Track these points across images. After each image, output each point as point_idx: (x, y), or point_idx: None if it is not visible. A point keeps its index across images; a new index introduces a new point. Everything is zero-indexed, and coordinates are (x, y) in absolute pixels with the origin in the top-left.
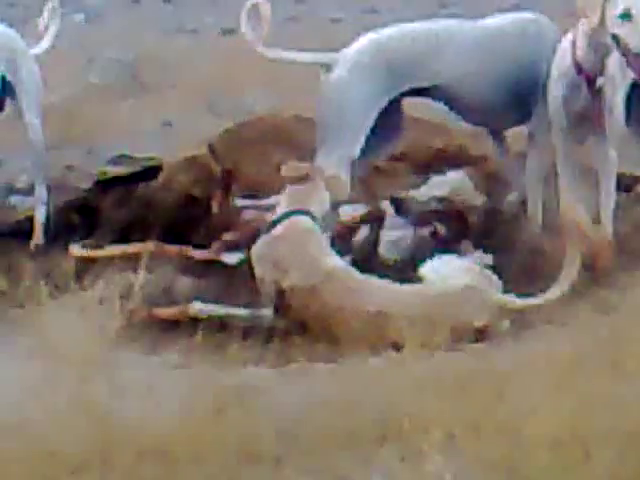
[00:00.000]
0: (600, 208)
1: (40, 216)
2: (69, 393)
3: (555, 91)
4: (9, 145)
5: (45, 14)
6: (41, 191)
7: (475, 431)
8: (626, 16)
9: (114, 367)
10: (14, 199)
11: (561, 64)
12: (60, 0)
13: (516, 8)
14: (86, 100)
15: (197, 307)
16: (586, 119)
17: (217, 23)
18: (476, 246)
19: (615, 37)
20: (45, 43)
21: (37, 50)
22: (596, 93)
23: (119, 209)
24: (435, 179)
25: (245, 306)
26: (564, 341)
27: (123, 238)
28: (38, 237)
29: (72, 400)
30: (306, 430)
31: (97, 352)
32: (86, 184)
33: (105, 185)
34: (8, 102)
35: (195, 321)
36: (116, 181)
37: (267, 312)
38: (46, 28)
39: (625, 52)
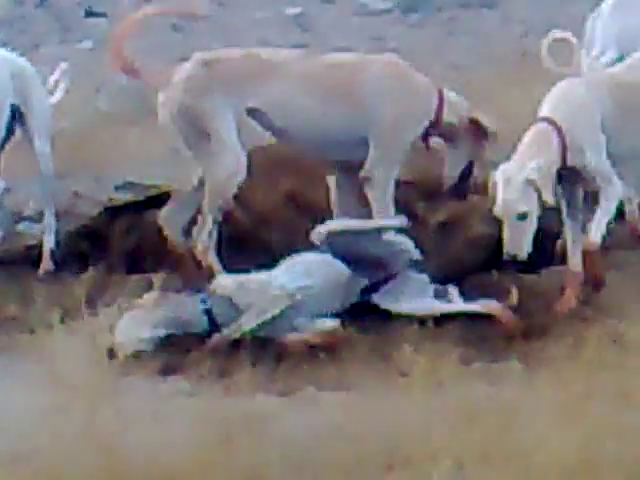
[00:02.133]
0: (593, 221)
1: (49, 243)
2: (77, 422)
3: None
4: (18, 172)
5: (57, 72)
6: (50, 218)
7: (484, 460)
8: None
9: (122, 394)
10: (23, 226)
11: None
12: (69, 27)
13: None
14: (95, 127)
15: None
16: None
17: None
18: None
19: None
20: (56, 97)
21: (50, 102)
22: None
23: (128, 236)
24: None
25: None
26: (572, 371)
27: (132, 264)
28: (47, 264)
29: (80, 429)
30: (314, 458)
31: (106, 379)
32: (95, 211)
33: (114, 212)
34: (17, 129)
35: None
36: (125, 208)
37: None
38: (56, 84)
39: None
